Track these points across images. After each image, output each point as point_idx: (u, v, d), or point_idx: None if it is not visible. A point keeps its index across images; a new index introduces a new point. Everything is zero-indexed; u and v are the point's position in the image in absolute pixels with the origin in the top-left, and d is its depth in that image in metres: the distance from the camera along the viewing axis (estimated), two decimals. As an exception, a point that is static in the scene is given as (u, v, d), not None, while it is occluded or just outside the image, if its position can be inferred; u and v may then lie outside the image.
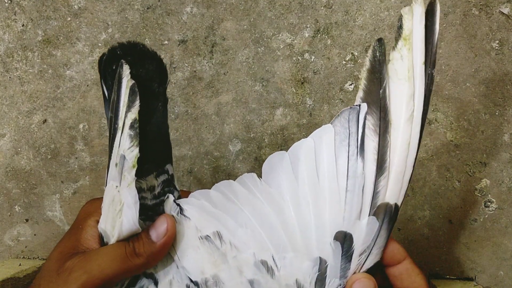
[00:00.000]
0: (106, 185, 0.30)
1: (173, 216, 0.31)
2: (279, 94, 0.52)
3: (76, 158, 0.54)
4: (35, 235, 0.55)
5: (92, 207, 0.33)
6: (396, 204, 0.30)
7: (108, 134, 0.30)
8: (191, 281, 0.30)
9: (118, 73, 0.28)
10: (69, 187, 0.55)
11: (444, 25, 0.50)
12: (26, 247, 0.55)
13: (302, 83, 0.52)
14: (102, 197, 0.32)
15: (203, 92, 0.53)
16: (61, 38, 0.54)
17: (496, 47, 0.49)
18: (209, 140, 0.53)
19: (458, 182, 0.50)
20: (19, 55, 0.55)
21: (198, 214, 0.31)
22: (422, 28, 0.29)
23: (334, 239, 0.29)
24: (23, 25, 0.55)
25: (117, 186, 0.29)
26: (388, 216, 0.30)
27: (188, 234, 0.31)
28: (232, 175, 0.53)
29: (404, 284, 0.31)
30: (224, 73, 0.53)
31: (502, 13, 0.49)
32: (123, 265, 0.29)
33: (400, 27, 0.29)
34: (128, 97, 0.28)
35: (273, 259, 0.29)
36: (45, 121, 0.55)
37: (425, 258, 0.51)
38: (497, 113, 0.49)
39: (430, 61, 0.29)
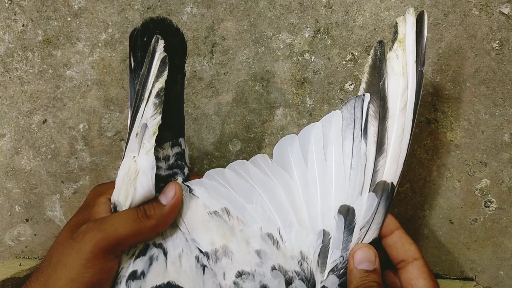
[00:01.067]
0: (123, 159, 0.32)
1: (178, 183, 0.33)
2: (279, 94, 0.52)
3: (76, 158, 0.54)
4: (35, 235, 0.55)
5: (102, 188, 0.35)
6: (392, 183, 0.33)
7: (131, 105, 0.32)
8: (201, 251, 0.31)
9: (152, 47, 0.31)
10: (69, 187, 0.55)
11: (444, 25, 0.50)
12: (26, 247, 0.55)
13: (302, 83, 0.52)
14: (111, 181, 0.34)
15: (203, 92, 0.53)
16: (61, 38, 0.54)
17: (496, 47, 0.49)
18: (209, 140, 0.53)
19: (458, 182, 0.50)
20: (19, 55, 0.55)
21: (207, 193, 0.33)
22: (413, 34, 0.35)
23: (338, 212, 0.32)
24: (23, 25, 0.55)
25: (134, 156, 0.31)
26: (386, 193, 0.32)
27: (197, 210, 0.33)
28: (232, 175, 0.53)
29: (399, 252, 0.33)
30: (224, 73, 0.53)
31: (502, 13, 0.49)
32: (135, 226, 0.30)
33: (396, 32, 0.35)
34: (158, 68, 0.30)
35: (279, 233, 0.32)
36: (45, 121, 0.55)
37: (425, 258, 0.51)
38: (497, 113, 0.49)
39: (420, 60, 0.35)
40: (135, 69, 0.34)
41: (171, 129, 0.33)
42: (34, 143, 0.55)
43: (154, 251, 0.31)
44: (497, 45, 0.49)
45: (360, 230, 0.31)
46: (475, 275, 0.50)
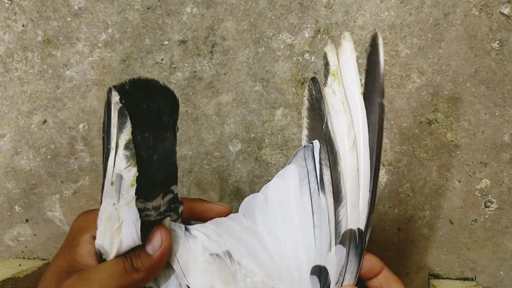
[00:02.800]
0: (101, 202, 0.30)
1: (165, 227, 0.31)
2: (280, 95, 0.52)
3: (76, 158, 0.54)
4: (35, 235, 0.55)
5: (86, 221, 0.33)
6: (359, 229, 0.31)
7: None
8: None
9: (107, 99, 0.29)
10: (69, 187, 0.54)
11: (444, 25, 0.50)
12: (26, 247, 0.55)
13: (302, 83, 0.52)
14: (95, 209, 0.31)
15: (203, 92, 0.53)
16: (61, 38, 0.54)
17: (496, 47, 0.49)
18: (209, 140, 0.53)
19: (458, 182, 0.50)
20: (19, 55, 0.55)
21: (205, 236, 0.31)
22: (353, 61, 0.31)
23: (311, 274, 0.31)
24: (23, 26, 0.55)
25: (114, 204, 0.29)
26: (354, 241, 0.31)
27: (195, 250, 0.31)
28: (232, 176, 0.53)
29: None
30: (224, 73, 0.53)
31: (502, 14, 0.49)
32: (123, 281, 0.28)
33: (326, 64, 0.32)
34: (118, 119, 0.28)
35: None
36: (45, 121, 0.55)
37: (425, 258, 0.51)
38: (497, 113, 0.49)
39: (378, 91, 0.31)
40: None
41: (161, 185, 0.30)
42: (34, 143, 0.55)
43: None
44: (497, 45, 0.49)
45: (336, 284, 0.30)
46: (475, 275, 0.50)
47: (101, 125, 0.31)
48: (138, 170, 0.28)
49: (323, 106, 0.31)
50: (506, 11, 0.49)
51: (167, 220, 0.31)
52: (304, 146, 0.32)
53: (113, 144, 0.28)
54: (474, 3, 0.49)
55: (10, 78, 0.55)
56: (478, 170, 0.50)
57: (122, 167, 0.28)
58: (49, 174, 0.55)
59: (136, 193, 0.28)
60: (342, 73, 0.31)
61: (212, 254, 0.31)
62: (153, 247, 0.29)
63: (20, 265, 0.52)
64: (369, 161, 0.31)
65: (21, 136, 0.55)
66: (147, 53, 0.53)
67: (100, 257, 0.30)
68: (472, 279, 0.50)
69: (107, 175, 0.29)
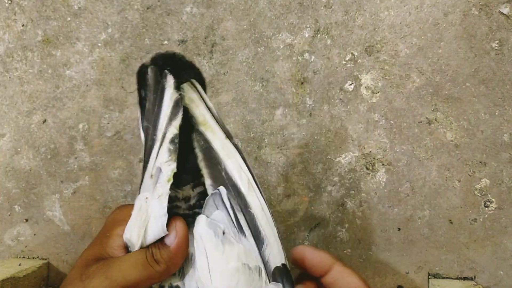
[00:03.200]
0: (138, 194, 0.30)
1: (181, 219, 0.30)
2: (279, 94, 0.52)
3: (76, 158, 0.54)
4: (35, 235, 0.55)
5: (121, 215, 0.33)
6: (283, 264, 0.31)
7: (143, 143, 0.31)
8: None
9: (161, 84, 0.29)
10: (69, 187, 0.54)
11: (444, 25, 0.50)
12: (26, 247, 0.55)
13: (302, 83, 0.52)
14: (132, 204, 0.32)
15: (203, 92, 0.53)
16: (61, 38, 0.54)
17: (496, 47, 0.49)
18: (209, 140, 0.53)
19: (458, 182, 0.50)
20: (19, 55, 0.55)
21: (242, 247, 0.31)
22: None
23: None
24: (23, 25, 0.55)
25: (147, 198, 0.29)
26: (285, 275, 0.31)
27: (228, 255, 0.31)
28: (232, 175, 0.53)
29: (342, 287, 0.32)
30: (224, 73, 0.53)
31: (502, 13, 0.49)
32: (144, 272, 0.29)
33: (191, 117, 0.31)
34: (171, 110, 0.28)
35: None
36: (44, 121, 0.55)
37: (425, 258, 0.51)
38: (496, 113, 0.49)
39: (224, 130, 0.32)
40: (143, 102, 0.32)
41: (191, 172, 0.31)
42: (34, 143, 0.55)
43: None
44: (496, 45, 0.49)
45: None
46: (474, 275, 0.50)
47: (141, 113, 0.31)
48: (177, 166, 0.28)
49: (214, 153, 0.31)
50: (505, 11, 0.49)
51: (203, 217, 0.31)
52: (212, 194, 0.31)
53: (159, 135, 0.28)
54: (474, 3, 0.49)
55: (10, 77, 0.55)
56: (478, 170, 0.50)
57: (164, 160, 0.28)
58: (49, 174, 0.55)
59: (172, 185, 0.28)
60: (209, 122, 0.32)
61: (244, 264, 0.30)
62: (169, 238, 0.30)
63: (20, 264, 0.52)
64: (263, 198, 0.31)
65: (21, 135, 0.55)
66: (147, 53, 0.53)
67: (127, 250, 0.31)
68: (471, 279, 0.50)
69: (147, 168, 0.29)
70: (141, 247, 0.30)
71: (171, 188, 0.28)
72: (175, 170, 0.28)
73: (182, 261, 0.30)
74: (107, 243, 0.31)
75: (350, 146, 0.52)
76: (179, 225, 0.30)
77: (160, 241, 0.30)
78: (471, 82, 0.50)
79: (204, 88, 0.32)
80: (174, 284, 0.30)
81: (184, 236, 0.30)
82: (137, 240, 0.30)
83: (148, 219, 0.29)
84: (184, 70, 0.31)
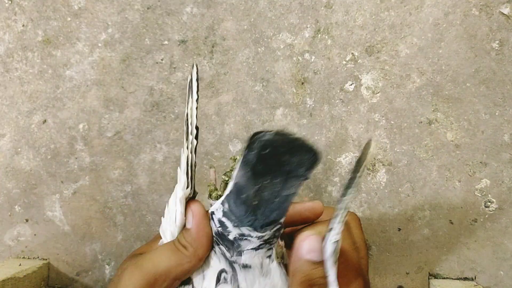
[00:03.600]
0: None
1: (197, 201, 0.32)
2: (279, 94, 0.52)
3: (76, 158, 0.54)
4: (35, 235, 0.55)
5: None
6: None
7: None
8: None
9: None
10: (69, 187, 0.54)
11: (444, 25, 0.50)
12: (26, 247, 0.55)
13: (302, 83, 0.52)
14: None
15: (203, 92, 0.53)
16: (61, 38, 0.54)
17: (496, 47, 0.49)
18: (209, 140, 0.53)
19: (458, 182, 0.50)
20: (19, 55, 0.55)
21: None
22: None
23: None
24: (23, 25, 0.55)
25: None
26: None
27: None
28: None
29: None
30: (224, 73, 0.53)
31: (502, 13, 0.49)
32: (173, 257, 0.29)
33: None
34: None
35: None
36: (45, 121, 0.55)
37: (425, 258, 0.51)
38: (497, 113, 0.49)
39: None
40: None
41: (273, 222, 0.31)
42: (34, 143, 0.55)
43: None
44: (497, 45, 0.49)
45: None
46: (475, 275, 0.50)
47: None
48: (254, 206, 0.29)
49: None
50: (506, 11, 0.49)
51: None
52: None
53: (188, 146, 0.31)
54: (474, 3, 0.49)
55: (10, 78, 0.55)
56: (478, 170, 0.50)
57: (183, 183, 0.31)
58: (49, 174, 0.55)
59: (243, 222, 0.29)
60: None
61: None
62: (188, 222, 0.31)
63: (20, 265, 0.52)
64: None
65: (21, 136, 0.55)
66: (147, 53, 0.53)
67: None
68: (472, 279, 0.50)
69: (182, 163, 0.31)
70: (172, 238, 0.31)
71: (248, 229, 0.29)
72: (195, 143, 0.30)
73: (207, 240, 0.30)
74: (156, 241, 0.33)
75: (351, 146, 0.52)
76: (194, 206, 0.31)
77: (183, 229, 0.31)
78: (472, 82, 0.50)
79: (313, 169, 0.31)
80: None
81: (200, 215, 0.30)
82: (164, 232, 0.31)
83: (176, 214, 0.30)
84: (301, 152, 0.30)
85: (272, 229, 0.30)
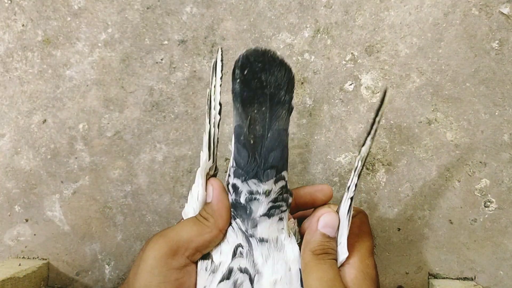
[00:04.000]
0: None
1: (216, 179, 0.34)
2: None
3: (76, 158, 0.54)
4: (35, 235, 0.55)
5: None
6: None
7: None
8: None
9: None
10: (69, 187, 0.54)
11: (444, 25, 0.50)
12: (26, 247, 0.55)
13: (302, 83, 0.52)
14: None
15: (203, 92, 0.53)
16: (61, 38, 0.54)
17: (496, 47, 0.49)
18: (209, 140, 0.53)
19: (458, 182, 0.50)
20: (19, 55, 0.55)
21: None
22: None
23: None
24: (23, 25, 0.55)
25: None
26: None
27: None
28: (232, 175, 0.53)
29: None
30: (224, 73, 0.53)
31: (502, 13, 0.49)
32: (195, 227, 0.31)
33: None
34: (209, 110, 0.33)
35: None
36: (44, 121, 0.55)
37: (425, 258, 0.51)
38: (497, 113, 0.49)
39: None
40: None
41: (273, 166, 0.32)
42: (34, 143, 0.55)
43: (239, 275, 0.31)
44: (496, 45, 0.49)
45: None
46: (474, 275, 0.50)
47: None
48: (252, 146, 0.31)
49: None
50: (505, 10, 0.49)
51: (284, 210, 0.33)
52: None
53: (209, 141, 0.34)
54: (474, 3, 0.49)
55: (10, 77, 0.55)
56: (478, 170, 0.50)
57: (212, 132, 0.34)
58: (49, 174, 0.55)
59: (248, 172, 0.31)
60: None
61: None
62: (209, 196, 0.33)
63: (20, 265, 0.52)
64: None
65: (21, 136, 0.55)
66: (147, 53, 0.53)
67: None
68: (471, 279, 0.50)
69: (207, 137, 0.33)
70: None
71: (253, 182, 0.31)
72: (208, 164, 0.33)
73: (227, 212, 0.32)
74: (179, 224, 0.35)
75: (350, 146, 0.52)
76: (213, 182, 0.33)
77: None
78: (471, 82, 0.50)
79: (291, 89, 0.34)
80: (243, 266, 0.31)
81: (220, 188, 0.33)
82: (193, 215, 0.33)
83: (198, 191, 0.32)
84: (274, 68, 0.33)
85: (275, 181, 0.31)
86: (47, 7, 0.54)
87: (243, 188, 0.32)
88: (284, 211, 0.32)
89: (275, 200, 0.32)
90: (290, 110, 0.33)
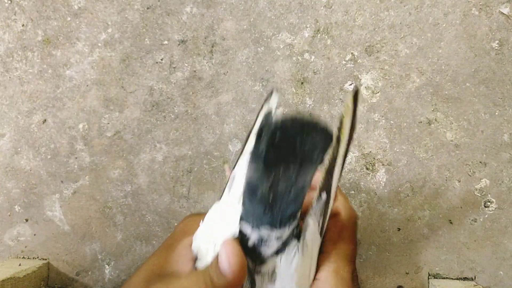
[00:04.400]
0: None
1: (236, 242, 0.28)
2: (279, 94, 0.52)
3: (76, 158, 0.54)
4: (35, 235, 0.55)
5: (191, 225, 0.32)
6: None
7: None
8: None
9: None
10: (69, 187, 0.54)
11: (444, 25, 0.50)
12: (26, 247, 0.55)
13: (302, 83, 0.52)
14: (202, 214, 0.31)
15: (203, 92, 0.53)
16: (61, 38, 0.54)
17: (496, 47, 0.49)
18: (209, 140, 0.53)
19: (458, 182, 0.50)
20: (19, 55, 0.55)
21: None
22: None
23: None
24: (23, 25, 0.55)
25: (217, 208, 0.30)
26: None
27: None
28: (232, 175, 0.53)
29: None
30: (224, 73, 0.53)
31: (502, 13, 0.49)
32: None
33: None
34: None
35: None
36: (45, 121, 0.55)
37: (425, 258, 0.51)
38: (496, 113, 0.49)
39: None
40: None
41: (289, 219, 0.30)
42: (34, 143, 0.55)
43: None
44: (496, 45, 0.49)
45: None
46: (474, 275, 0.50)
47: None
48: (270, 204, 0.28)
49: None
50: (505, 10, 0.49)
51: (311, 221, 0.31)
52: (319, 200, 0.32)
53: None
54: (474, 3, 0.49)
55: (10, 77, 0.55)
56: (478, 170, 0.50)
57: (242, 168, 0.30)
58: (49, 174, 0.55)
59: (262, 220, 0.28)
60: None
61: None
62: (222, 267, 0.27)
63: (20, 265, 0.52)
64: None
65: (21, 135, 0.55)
66: (147, 53, 0.54)
67: (194, 262, 0.30)
68: (471, 279, 0.50)
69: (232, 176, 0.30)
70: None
71: (266, 228, 0.28)
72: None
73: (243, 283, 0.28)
74: (172, 256, 0.30)
75: (350, 146, 0.52)
76: (231, 254, 0.27)
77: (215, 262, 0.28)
78: (471, 82, 0.50)
79: (326, 153, 0.31)
80: None
81: (239, 265, 0.27)
82: (205, 254, 0.29)
83: (218, 230, 0.29)
84: (313, 132, 0.30)
85: (290, 226, 0.29)
86: (47, 7, 0.54)
87: (253, 234, 0.29)
88: (290, 244, 0.31)
89: (286, 241, 0.30)
90: (319, 165, 0.29)
